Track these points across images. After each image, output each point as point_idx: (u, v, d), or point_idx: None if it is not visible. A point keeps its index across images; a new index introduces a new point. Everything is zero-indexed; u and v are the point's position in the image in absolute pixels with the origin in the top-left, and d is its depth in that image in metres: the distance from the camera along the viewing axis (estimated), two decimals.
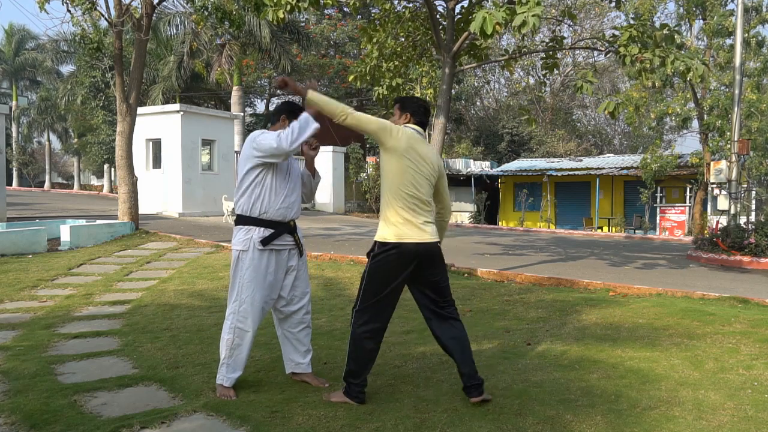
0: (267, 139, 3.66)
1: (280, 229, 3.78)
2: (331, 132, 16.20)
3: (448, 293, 3.64)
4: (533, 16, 6.29)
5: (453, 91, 18.55)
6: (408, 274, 3.49)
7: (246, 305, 3.71)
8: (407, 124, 3.68)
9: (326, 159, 22.49)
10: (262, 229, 3.74)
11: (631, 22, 9.66)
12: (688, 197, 21.00)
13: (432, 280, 3.57)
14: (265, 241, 3.72)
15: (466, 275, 8.58)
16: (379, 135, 3.55)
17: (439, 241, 3.63)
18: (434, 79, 15.68)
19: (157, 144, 18.25)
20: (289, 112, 3.86)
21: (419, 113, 3.73)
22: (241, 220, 3.79)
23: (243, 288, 3.72)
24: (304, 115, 3.65)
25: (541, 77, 10.53)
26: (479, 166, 27.08)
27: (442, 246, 3.74)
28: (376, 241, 3.52)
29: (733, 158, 12.22)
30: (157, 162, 18.34)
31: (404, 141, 3.52)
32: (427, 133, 3.96)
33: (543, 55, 9.59)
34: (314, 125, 3.63)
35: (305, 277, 3.98)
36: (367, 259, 3.60)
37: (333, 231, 15.02)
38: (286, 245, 3.83)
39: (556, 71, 9.87)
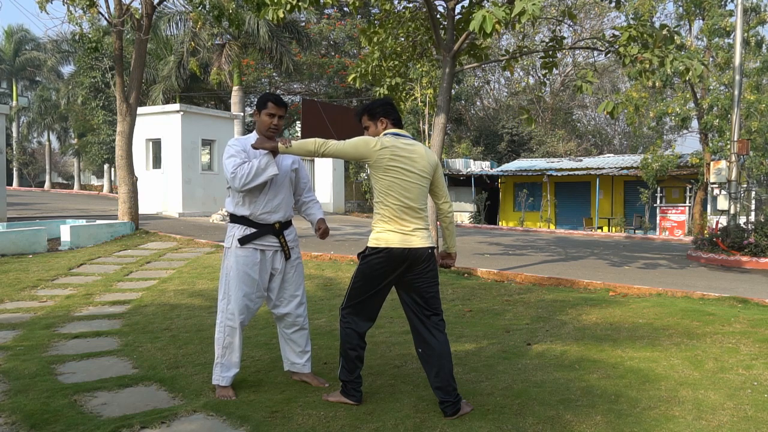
0: (227, 165, 3.66)
1: (263, 230, 3.78)
2: (331, 133, 16.19)
3: (434, 304, 3.52)
4: (533, 4, 6.32)
5: (453, 91, 18.55)
6: (394, 278, 3.48)
7: (232, 303, 3.74)
8: (387, 131, 3.55)
9: (326, 159, 22.48)
10: (244, 227, 3.77)
11: (631, 22, 9.67)
12: (688, 197, 20.99)
13: (415, 285, 3.48)
14: (243, 240, 3.74)
15: (465, 275, 8.58)
16: (360, 155, 3.48)
17: (433, 247, 3.54)
18: (434, 79, 15.69)
19: (157, 144, 18.25)
20: (261, 103, 3.77)
21: (392, 112, 3.59)
22: (230, 217, 3.86)
23: (229, 285, 3.75)
24: (264, 159, 3.60)
25: (541, 77, 10.52)
26: (479, 166, 27.06)
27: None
28: (367, 246, 3.53)
29: (733, 158, 12.23)
30: (157, 162, 18.35)
31: (387, 153, 3.42)
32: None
33: (543, 54, 9.60)
34: (272, 172, 3.61)
35: (295, 281, 3.92)
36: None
37: (333, 231, 14.90)
38: (270, 246, 3.81)
39: (555, 71, 9.91)
